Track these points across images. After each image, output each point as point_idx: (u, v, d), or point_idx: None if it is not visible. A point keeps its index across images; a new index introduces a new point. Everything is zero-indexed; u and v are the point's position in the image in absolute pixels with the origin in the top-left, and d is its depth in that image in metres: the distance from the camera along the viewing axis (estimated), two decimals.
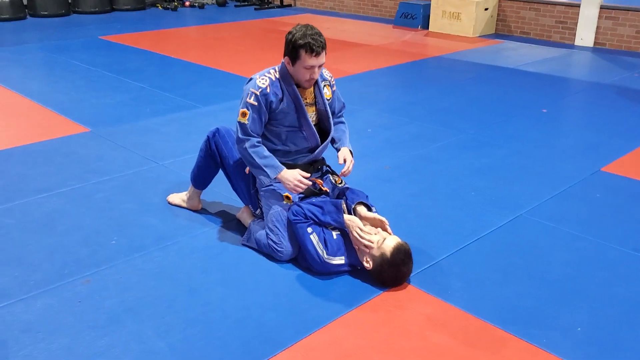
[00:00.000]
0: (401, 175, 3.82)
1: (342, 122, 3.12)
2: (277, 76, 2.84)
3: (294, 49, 2.71)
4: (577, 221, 3.24)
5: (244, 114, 2.80)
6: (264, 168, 2.81)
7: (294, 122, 2.86)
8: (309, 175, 2.88)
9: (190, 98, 5.43)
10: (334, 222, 2.74)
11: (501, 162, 4.05)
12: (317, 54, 2.71)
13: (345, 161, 2.93)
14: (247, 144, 2.81)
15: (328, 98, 2.97)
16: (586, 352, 2.25)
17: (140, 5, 10.63)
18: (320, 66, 2.77)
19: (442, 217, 3.27)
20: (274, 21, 9.79)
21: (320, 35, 2.73)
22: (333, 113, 3.04)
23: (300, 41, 2.69)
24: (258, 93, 2.78)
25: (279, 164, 2.84)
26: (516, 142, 4.41)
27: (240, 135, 2.82)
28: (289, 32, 2.76)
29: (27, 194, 3.49)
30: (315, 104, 2.92)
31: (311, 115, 2.90)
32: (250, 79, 2.85)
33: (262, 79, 2.82)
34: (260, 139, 2.86)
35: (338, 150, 3.01)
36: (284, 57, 2.81)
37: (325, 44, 2.74)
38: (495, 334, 2.35)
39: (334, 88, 3.03)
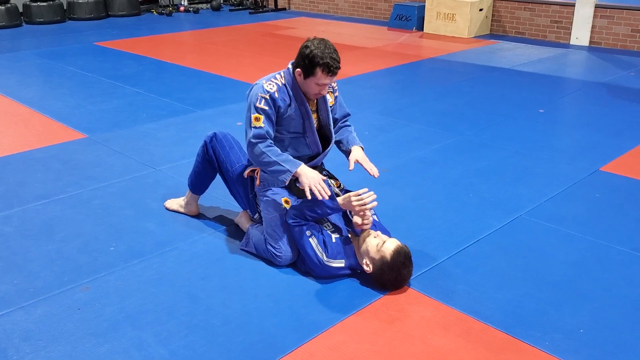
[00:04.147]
0: (399, 178, 3.82)
1: (348, 126, 3.07)
2: (283, 82, 2.81)
3: (311, 66, 2.66)
4: (577, 221, 3.24)
5: (257, 119, 2.74)
6: (283, 164, 2.71)
7: (299, 129, 2.85)
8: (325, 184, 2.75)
9: (186, 102, 5.42)
10: (330, 210, 2.73)
11: (499, 163, 4.05)
12: (334, 75, 2.69)
13: (360, 163, 2.90)
14: (261, 145, 2.73)
15: (331, 105, 2.96)
16: (589, 354, 2.24)
17: (135, 11, 10.63)
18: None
19: (441, 219, 3.27)
20: (269, 25, 9.79)
21: (337, 53, 2.69)
22: (335, 120, 3.02)
23: (319, 60, 2.63)
24: (267, 97, 2.74)
25: (298, 160, 2.77)
26: (514, 143, 4.41)
27: (252, 140, 2.73)
28: (306, 46, 2.68)
29: (25, 201, 3.48)
30: (317, 110, 2.90)
31: (314, 122, 2.89)
32: (256, 84, 2.81)
33: (269, 84, 2.78)
34: (272, 142, 2.79)
35: (348, 152, 2.96)
36: (294, 67, 2.76)
37: (340, 62, 2.70)
38: (497, 336, 2.34)
39: (337, 94, 3.01)
